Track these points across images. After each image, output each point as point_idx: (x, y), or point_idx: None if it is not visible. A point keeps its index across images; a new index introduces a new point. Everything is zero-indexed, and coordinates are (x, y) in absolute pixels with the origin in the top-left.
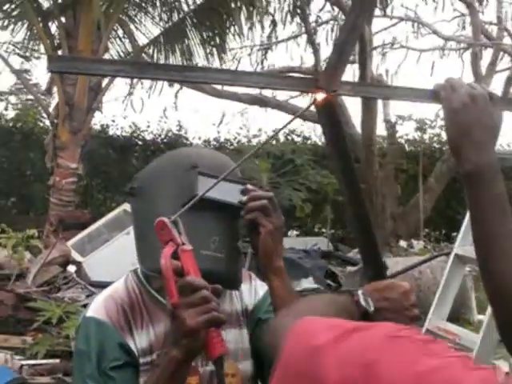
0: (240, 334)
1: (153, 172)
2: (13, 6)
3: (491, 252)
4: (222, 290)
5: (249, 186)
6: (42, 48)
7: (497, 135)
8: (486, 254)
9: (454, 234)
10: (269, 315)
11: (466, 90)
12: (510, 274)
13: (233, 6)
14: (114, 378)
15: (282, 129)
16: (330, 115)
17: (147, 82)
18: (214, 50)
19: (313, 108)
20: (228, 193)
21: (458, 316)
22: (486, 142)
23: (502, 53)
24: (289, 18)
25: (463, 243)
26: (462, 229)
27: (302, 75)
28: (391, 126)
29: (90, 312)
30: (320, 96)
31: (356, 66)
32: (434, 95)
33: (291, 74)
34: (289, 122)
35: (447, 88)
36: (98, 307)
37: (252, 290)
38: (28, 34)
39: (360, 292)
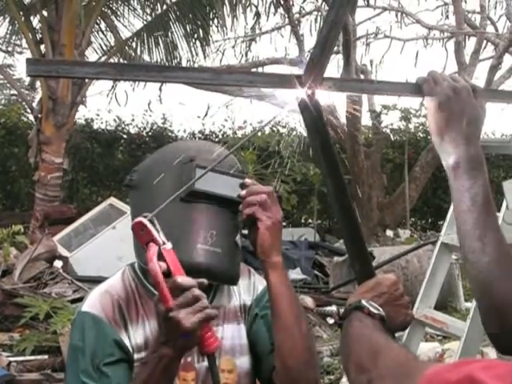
0: (238, 329)
1: (151, 165)
2: None
3: (474, 244)
4: (206, 284)
5: (248, 180)
6: (24, 42)
7: (480, 127)
8: (470, 246)
9: (441, 222)
10: (266, 311)
11: (448, 83)
12: (492, 265)
13: None
14: (107, 374)
15: (267, 123)
16: (313, 113)
17: None
18: (198, 42)
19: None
20: (226, 187)
21: (445, 304)
22: (470, 134)
23: (485, 41)
24: (272, 9)
25: (449, 231)
26: (448, 217)
27: (286, 66)
28: (376, 116)
29: (86, 307)
30: (302, 93)
31: (340, 57)
32: (417, 89)
33: (273, 72)
34: (274, 118)
35: (430, 81)
36: (93, 302)
37: (251, 286)
38: (10, 28)
39: (364, 302)
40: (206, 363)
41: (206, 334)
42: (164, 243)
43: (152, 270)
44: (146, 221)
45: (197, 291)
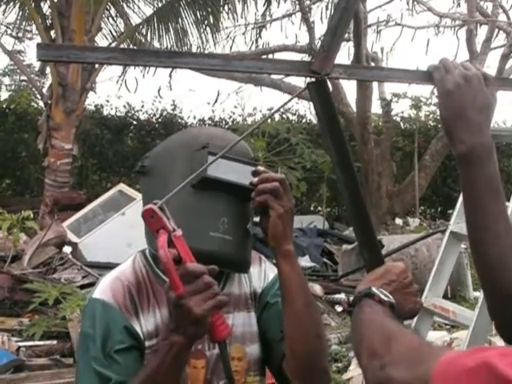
0: (248, 317)
1: (164, 151)
2: None
3: (483, 233)
4: (217, 270)
5: (260, 168)
6: (34, 28)
7: (491, 116)
8: (478, 235)
9: (450, 211)
10: (277, 299)
11: (459, 71)
12: (500, 255)
13: None
14: (118, 361)
15: (277, 110)
16: (323, 99)
17: None
18: (208, 29)
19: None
20: (239, 174)
21: (454, 293)
22: (480, 122)
23: (496, 30)
24: None
25: (458, 220)
26: (457, 206)
27: (296, 53)
28: (386, 104)
29: (97, 294)
30: (313, 79)
31: (351, 44)
32: (427, 76)
33: (284, 58)
34: (284, 104)
35: (441, 69)
36: (104, 289)
37: (262, 273)
38: (20, 14)
39: (374, 289)
40: (216, 351)
41: (217, 322)
42: (174, 230)
43: (162, 256)
44: (156, 208)
45: (208, 278)
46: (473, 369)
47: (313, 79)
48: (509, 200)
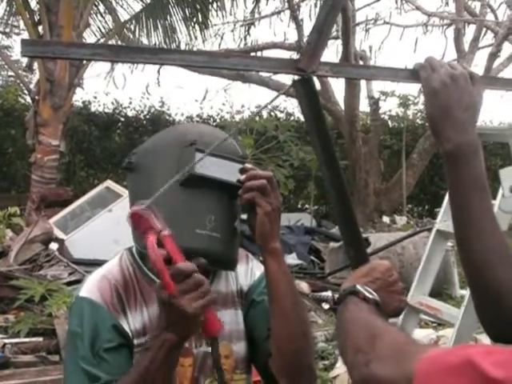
0: (235, 315)
1: (151, 147)
2: None
3: (469, 231)
4: (204, 263)
5: (247, 165)
6: (22, 24)
7: (477, 115)
8: (464, 232)
9: (437, 209)
10: (263, 297)
11: (445, 70)
12: (486, 253)
13: None
14: (107, 359)
15: (264, 107)
16: (309, 97)
17: None
18: (197, 26)
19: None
20: (226, 171)
21: (440, 291)
22: (466, 121)
23: (484, 29)
24: None
25: (445, 218)
26: (444, 204)
27: (285, 50)
28: (374, 102)
29: (84, 292)
30: (299, 77)
31: (339, 42)
32: (414, 75)
33: (272, 55)
34: (271, 101)
35: (427, 68)
36: (91, 287)
37: (248, 271)
38: (8, 9)
39: (359, 287)
40: (203, 349)
41: (210, 318)
42: (162, 229)
43: (152, 258)
44: (142, 210)
45: (198, 276)
46: (456, 366)
47: (299, 77)
48: (495, 198)
